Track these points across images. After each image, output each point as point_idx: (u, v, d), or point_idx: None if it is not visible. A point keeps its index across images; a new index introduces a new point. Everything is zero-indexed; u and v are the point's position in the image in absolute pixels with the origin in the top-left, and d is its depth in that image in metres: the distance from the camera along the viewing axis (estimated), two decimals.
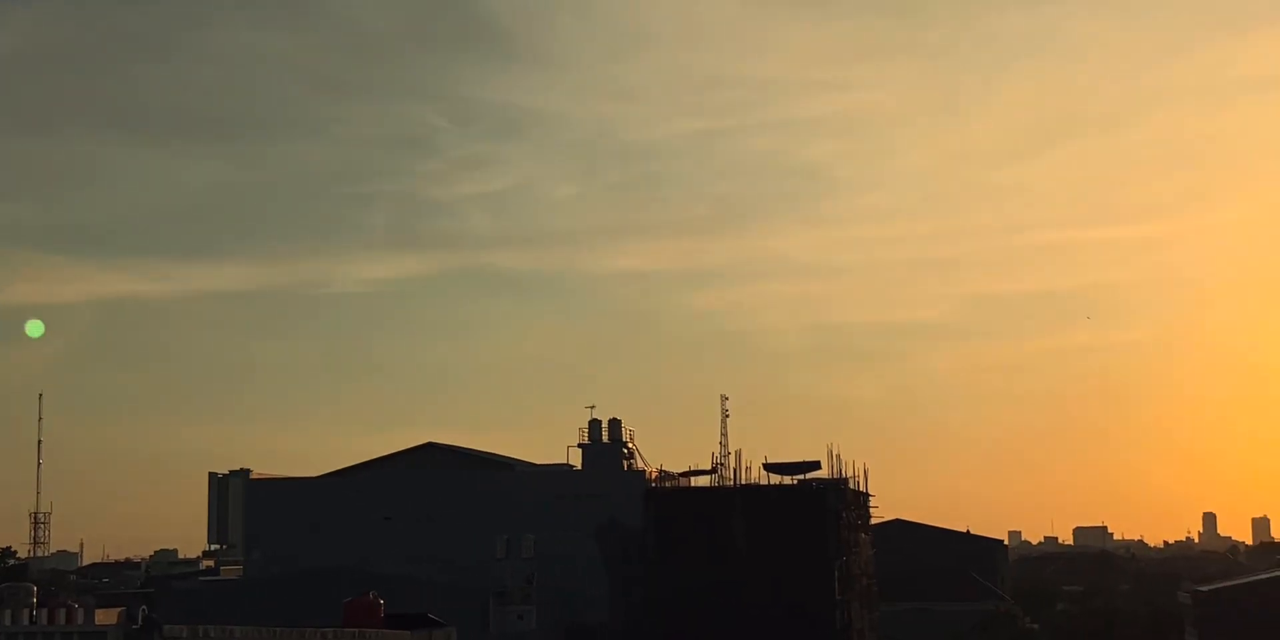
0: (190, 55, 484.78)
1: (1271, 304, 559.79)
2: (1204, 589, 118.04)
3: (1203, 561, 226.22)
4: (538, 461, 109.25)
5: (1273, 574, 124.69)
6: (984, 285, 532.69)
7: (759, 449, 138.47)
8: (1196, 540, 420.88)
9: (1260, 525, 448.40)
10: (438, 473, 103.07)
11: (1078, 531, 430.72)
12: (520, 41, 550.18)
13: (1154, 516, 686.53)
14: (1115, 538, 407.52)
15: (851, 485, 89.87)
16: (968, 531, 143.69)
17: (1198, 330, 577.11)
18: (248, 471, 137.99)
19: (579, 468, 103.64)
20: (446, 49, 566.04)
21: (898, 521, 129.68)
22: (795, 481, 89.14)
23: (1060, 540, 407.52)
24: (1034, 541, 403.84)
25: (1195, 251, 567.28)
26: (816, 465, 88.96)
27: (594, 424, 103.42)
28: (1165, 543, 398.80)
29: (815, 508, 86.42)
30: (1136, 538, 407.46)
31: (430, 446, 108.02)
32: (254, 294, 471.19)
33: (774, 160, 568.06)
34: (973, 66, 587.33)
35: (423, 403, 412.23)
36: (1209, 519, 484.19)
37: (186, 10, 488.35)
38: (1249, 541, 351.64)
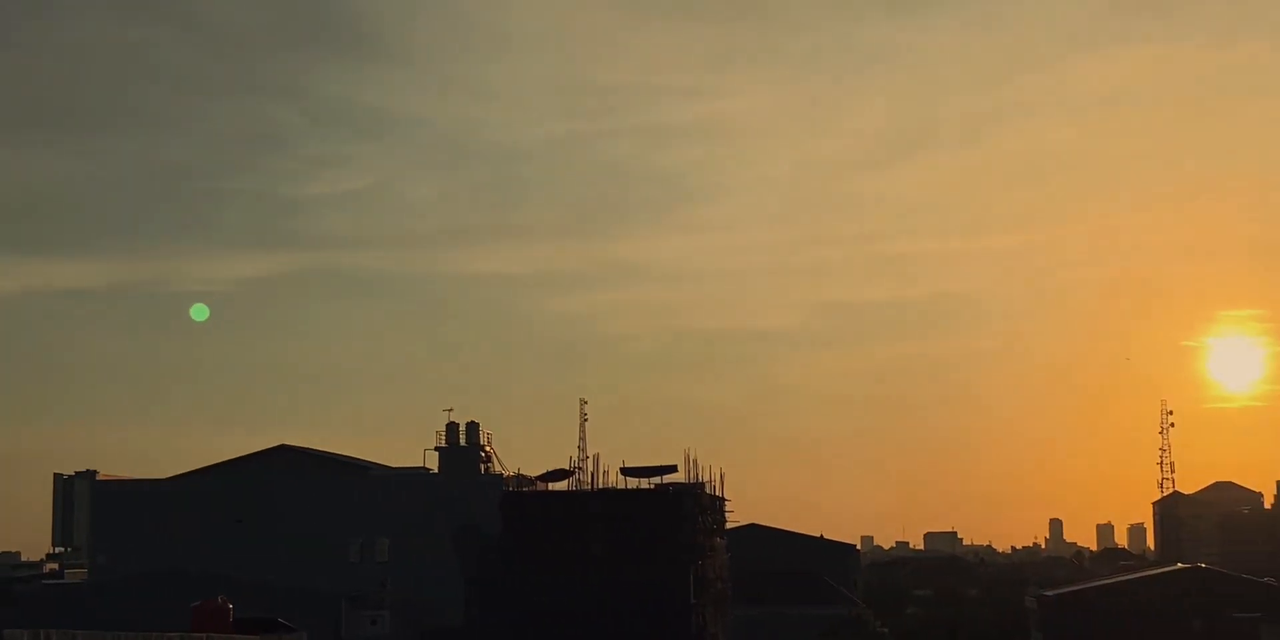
0: (36, 46, 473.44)
1: (1118, 316, 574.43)
2: (1049, 593, 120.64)
3: (1049, 566, 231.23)
4: (394, 465, 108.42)
5: (1116, 579, 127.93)
6: (840, 293, 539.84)
7: (617, 453, 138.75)
8: (1043, 546, 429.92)
9: (1104, 531, 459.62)
10: (291, 475, 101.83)
11: (929, 537, 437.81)
12: (381, 41, 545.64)
13: (1003, 523, 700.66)
14: (965, 543, 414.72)
15: (708, 489, 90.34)
16: (821, 536, 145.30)
17: (1046, 340, 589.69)
18: (94, 473, 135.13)
19: (436, 471, 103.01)
20: (305, 46, 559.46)
21: (753, 526, 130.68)
22: (652, 485, 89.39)
23: (911, 545, 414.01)
24: (886, 546, 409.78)
25: (1046, 262, 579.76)
26: (673, 469, 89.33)
27: (451, 427, 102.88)
28: (1013, 548, 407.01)
29: (671, 512, 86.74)
30: (985, 543, 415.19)
31: (283, 449, 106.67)
32: (102, 291, 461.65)
33: (635, 165, 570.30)
34: (832, 77, 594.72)
35: (276, 404, 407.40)
36: (1055, 525, 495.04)
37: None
38: (1094, 547, 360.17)
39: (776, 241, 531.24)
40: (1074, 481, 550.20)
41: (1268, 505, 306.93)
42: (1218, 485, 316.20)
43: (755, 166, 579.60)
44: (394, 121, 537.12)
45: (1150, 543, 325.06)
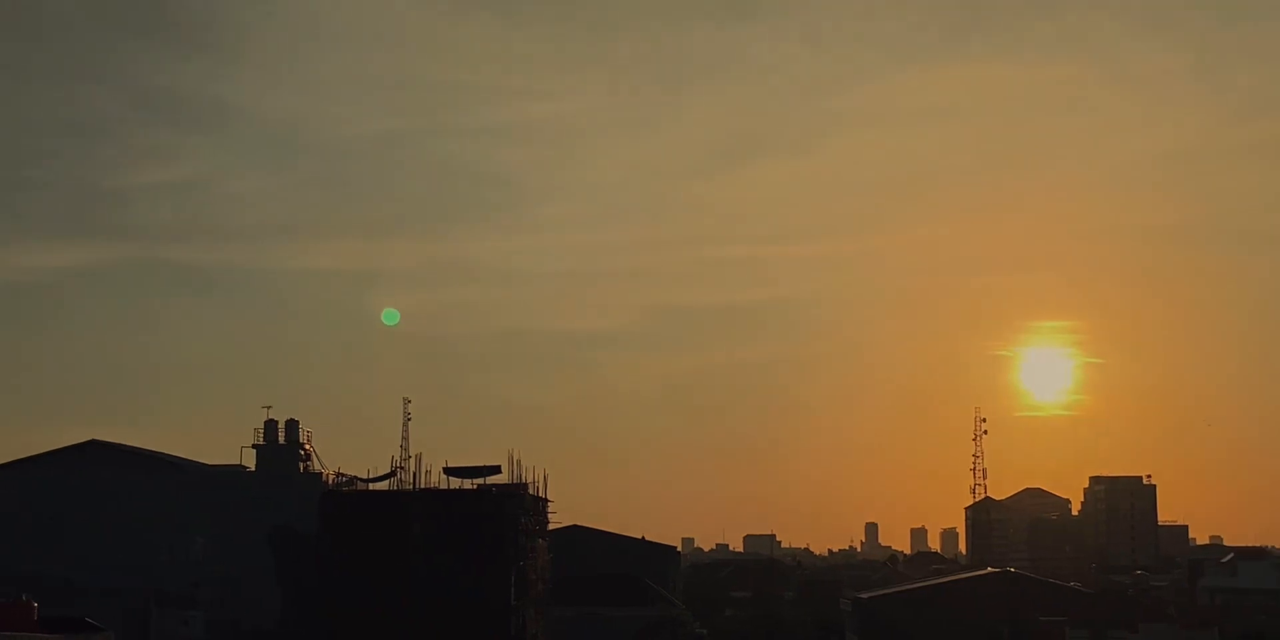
0: None
1: (935, 324, 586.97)
2: (864, 596, 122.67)
3: (864, 569, 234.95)
4: (209, 462, 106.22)
5: (928, 582, 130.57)
6: (667, 297, 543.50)
7: (440, 453, 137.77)
8: (859, 549, 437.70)
9: (918, 535, 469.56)
10: (101, 472, 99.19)
11: (748, 539, 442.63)
12: (208, 31, 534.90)
13: (820, 526, 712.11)
14: (783, 546, 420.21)
15: (531, 490, 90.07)
16: (643, 538, 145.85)
17: (866, 347, 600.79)
18: None
19: (252, 469, 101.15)
20: (128, 34, 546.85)
21: (575, 527, 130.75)
22: (475, 486, 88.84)
23: (731, 547, 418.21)
24: (706, 548, 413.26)
25: (867, 271, 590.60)
26: (497, 470, 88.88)
27: (270, 425, 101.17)
28: (830, 551, 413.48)
29: (494, 512, 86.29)
30: (804, 546, 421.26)
31: (94, 444, 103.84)
32: None
33: (465, 164, 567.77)
34: (663, 82, 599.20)
35: (87, 398, 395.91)
36: (871, 529, 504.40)
37: None
38: (908, 551, 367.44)
39: (605, 244, 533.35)
40: (890, 486, 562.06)
41: (1075, 511, 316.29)
42: (1028, 491, 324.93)
43: (585, 169, 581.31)
44: (221, 113, 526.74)
45: (962, 547, 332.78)
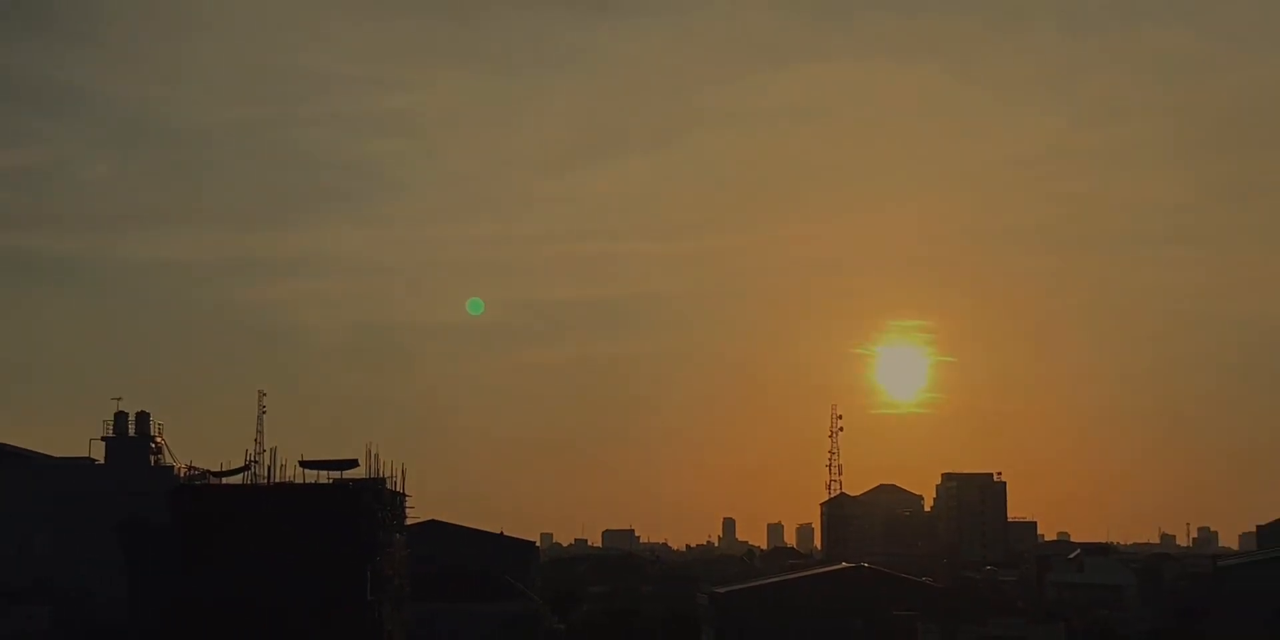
0: None
1: (793, 321, 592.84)
2: (720, 590, 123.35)
3: (722, 564, 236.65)
4: (56, 454, 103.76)
5: (783, 577, 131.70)
6: (527, 291, 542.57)
7: (296, 447, 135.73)
8: (717, 544, 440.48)
9: (775, 531, 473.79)
10: None
11: (607, 534, 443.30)
12: (58, 13, 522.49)
13: (678, 521, 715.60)
14: (642, 541, 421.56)
15: (389, 485, 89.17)
16: (501, 533, 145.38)
17: (725, 343, 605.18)
18: None
19: (102, 462, 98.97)
20: None
21: (433, 522, 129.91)
22: (331, 480, 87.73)
23: (590, 543, 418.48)
24: (565, 543, 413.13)
25: (728, 267, 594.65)
26: (354, 464, 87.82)
27: (120, 417, 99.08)
28: (688, 546, 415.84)
29: (350, 507, 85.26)
30: (662, 541, 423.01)
31: None
32: None
33: (324, 154, 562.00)
34: (524, 76, 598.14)
35: None
36: (729, 524, 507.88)
37: None
38: (765, 546, 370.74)
39: (463, 237, 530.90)
40: (747, 482, 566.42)
41: (928, 508, 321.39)
42: (882, 488, 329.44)
43: (447, 162, 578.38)
44: (72, 97, 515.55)
45: (818, 542, 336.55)
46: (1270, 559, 45.93)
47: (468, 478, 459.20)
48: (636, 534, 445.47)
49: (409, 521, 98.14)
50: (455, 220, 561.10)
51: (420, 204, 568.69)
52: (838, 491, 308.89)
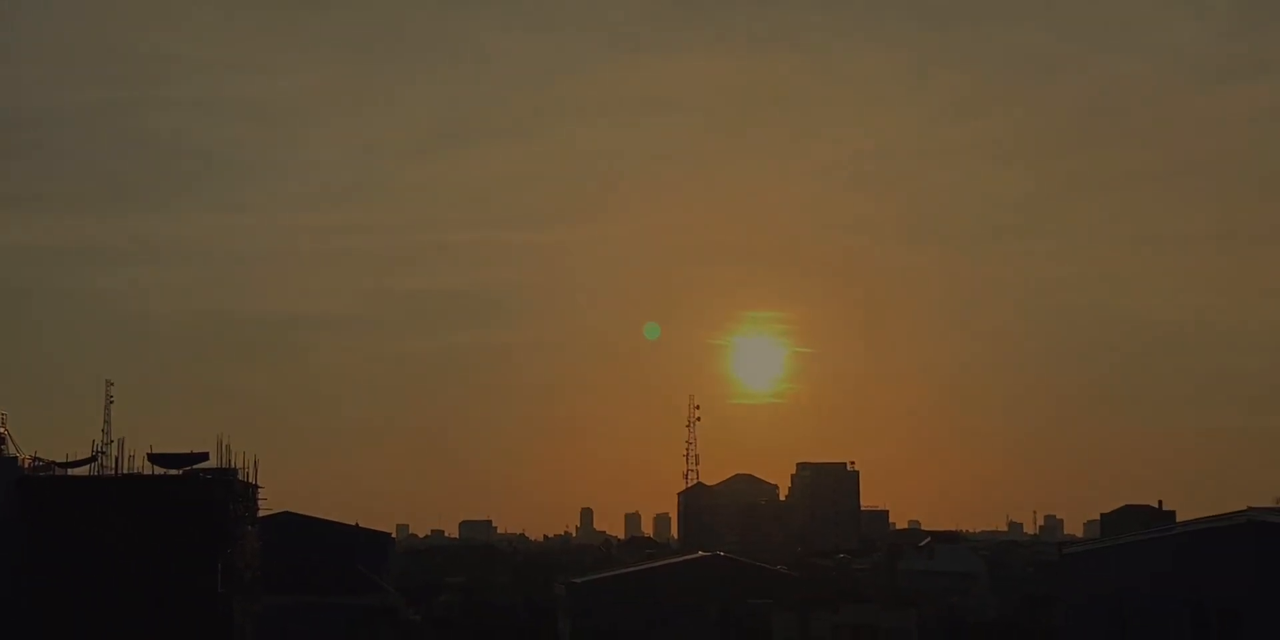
0: None
1: (652, 312, 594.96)
2: (578, 580, 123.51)
3: (579, 554, 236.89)
4: None
5: (641, 567, 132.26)
6: (384, 281, 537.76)
7: (145, 438, 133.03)
8: (574, 534, 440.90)
9: (632, 520, 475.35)
10: None
11: (464, 525, 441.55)
12: None
13: (536, 511, 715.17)
14: (499, 532, 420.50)
15: (241, 477, 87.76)
16: (357, 525, 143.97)
17: (583, 333, 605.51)
18: None
19: None
20: None
21: (286, 514, 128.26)
22: (182, 472, 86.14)
23: (447, 534, 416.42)
24: (421, 535, 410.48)
25: (586, 257, 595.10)
26: (205, 456, 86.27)
27: None
28: (546, 537, 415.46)
29: (200, 500, 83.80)
30: (519, 532, 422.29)
31: None
32: None
33: (175, 139, 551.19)
34: (384, 62, 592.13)
35: None
36: (586, 514, 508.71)
37: None
38: (622, 536, 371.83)
39: (320, 225, 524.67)
40: (605, 472, 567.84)
41: (783, 497, 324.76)
42: (738, 477, 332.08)
43: (301, 148, 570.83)
44: None
45: (675, 532, 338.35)
46: (1113, 546, 47.15)
47: (324, 469, 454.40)
48: (494, 525, 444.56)
49: (262, 513, 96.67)
50: (313, 208, 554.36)
51: (277, 191, 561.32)
52: (695, 481, 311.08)
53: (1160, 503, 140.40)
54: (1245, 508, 37.54)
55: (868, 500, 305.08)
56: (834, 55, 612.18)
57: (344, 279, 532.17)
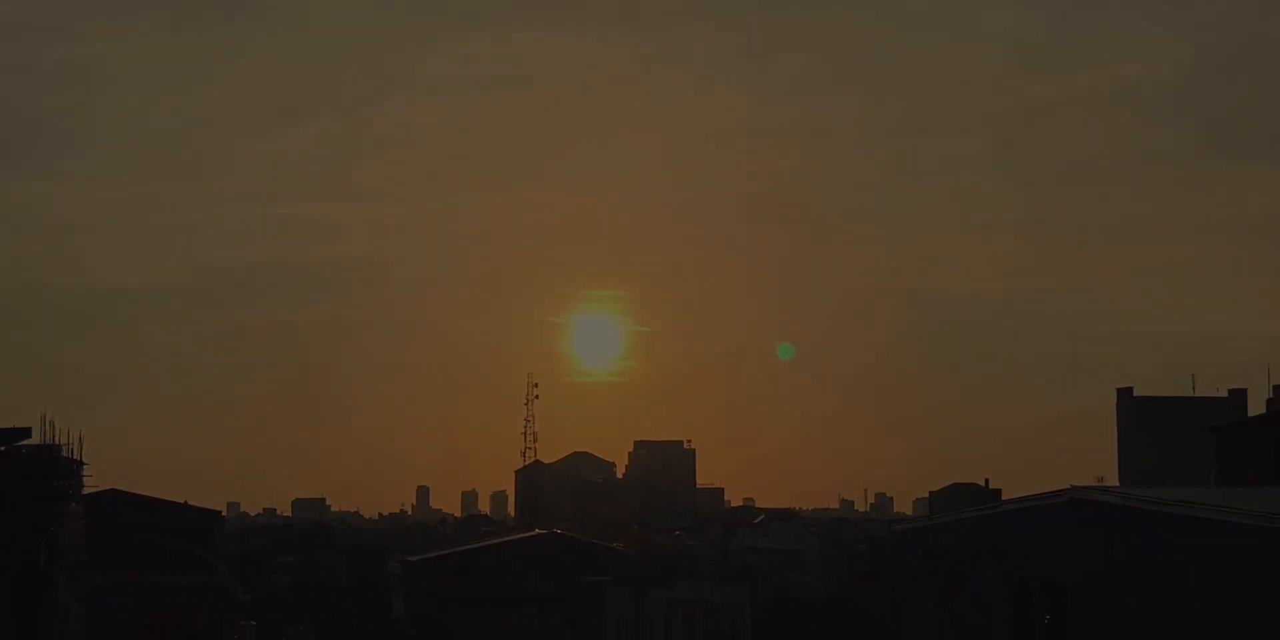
0: None
1: (490, 289, 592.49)
2: (413, 559, 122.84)
3: (415, 533, 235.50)
4: None
5: (477, 545, 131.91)
6: (218, 254, 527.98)
7: None
8: (410, 512, 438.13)
9: (469, 498, 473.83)
10: None
11: (297, 503, 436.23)
12: None
13: (371, 489, 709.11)
14: (333, 510, 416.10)
15: (65, 453, 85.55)
16: (185, 502, 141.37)
17: (423, 309, 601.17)
18: None
19: None
20: None
21: (113, 491, 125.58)
22: (1, 449, 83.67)
23: (279, 512, 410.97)
24: (253, 513, 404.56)
25: (427, 234, 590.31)
26: (27, 432, 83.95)
27: None
28: (381, 515, 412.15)
29: (22, 477, 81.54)
30: (354, 510, 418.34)
31: None
32: None
33: (2, 106, 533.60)
34: (218, 31, 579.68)
35: None
36: (422, 492, 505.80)
37: None
38: (458, 514, 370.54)
39: (151, 197, 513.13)
40: (442, 450, 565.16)
41: (620, 474, 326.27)
42: (576, 455, 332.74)
43: (131, 117, 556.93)
44: None
45: (512, 509, 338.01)
46: (941, 523, 48.16)
47: (152, 446, 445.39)
48: (327, 503, 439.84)
49: (87, 491, 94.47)
50: (145, 179, 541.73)
51: (107, 161, 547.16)
52: (532, 459, 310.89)
53: (986, 481, 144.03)
54: (1068, 486, 38.47)
55: (703, 478, 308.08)
56: (674, 35, 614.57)
57: (173, 252, 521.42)
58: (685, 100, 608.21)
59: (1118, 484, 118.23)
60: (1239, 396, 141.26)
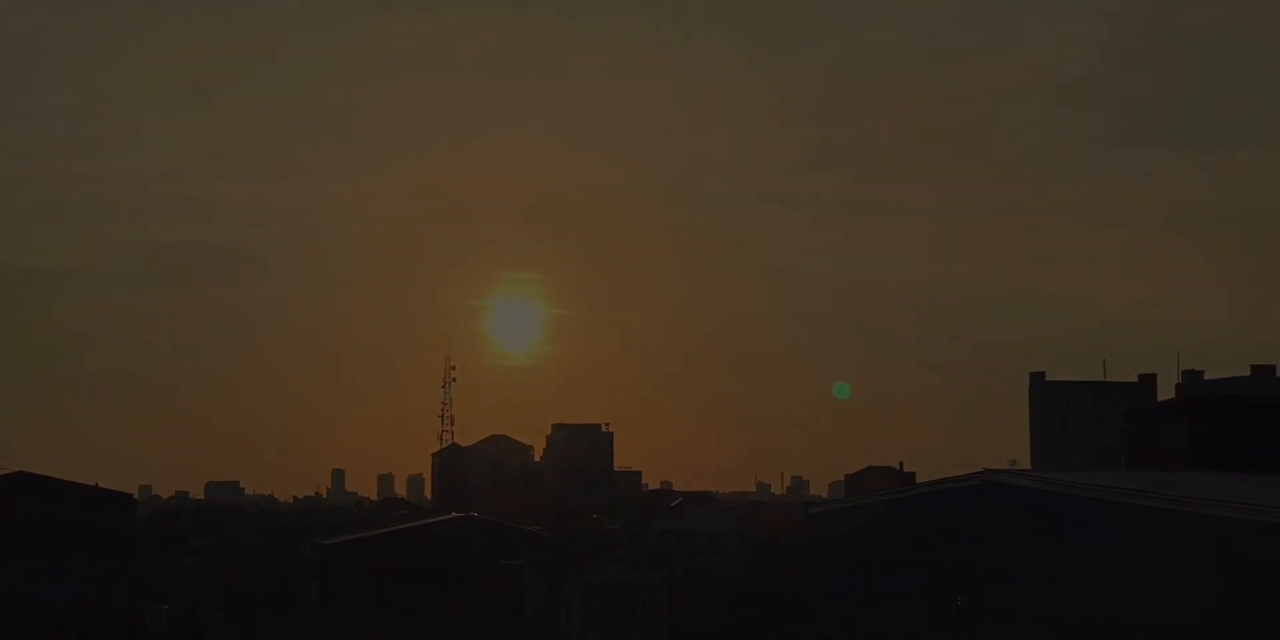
0: None
1: (409, 272, 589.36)
2: (328, 542, 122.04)
3: (330, 516, 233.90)
4: None
5: (393, 528, 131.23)
6: (131, 233, 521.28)
7: None
8: (325, 496, 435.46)
9: (385, 482, 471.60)
10: None
11: (210, 486, 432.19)
12: None
13: (285, 472, 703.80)
14: (247, 493, 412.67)
15: None
16: (96, 485, 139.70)
17: (338, 291, 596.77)
18: None
19: None
20: None
21: (21, 474, 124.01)
22: None
23: (192, 495, 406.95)
24: (165, 496, 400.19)
25: (343, 214, 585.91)
26: None
27: None
28: (295, 498, 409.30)
29: None
30: (268, 493, 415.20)
31: None
32: None
33: None
34: (126, 9, 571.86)
35: None
36: (338, 475, 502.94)
37: None
38: (375, 497, 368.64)
39: (65, 175, 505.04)
40: (358, 433, 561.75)
41: (538, 458, 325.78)
42: (493, 438, 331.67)
43: (44, 94, 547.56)
44: None
45: (428, 493, 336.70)
46: (856, 505, 48.44)
47: (64, 429, 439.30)
48: (241, 486, 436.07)
49: None
50: (57, 157, 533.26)
51: (16, 138, 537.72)
52: (450, 442, 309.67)
53: (901, 464, 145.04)
54: (981, 469, 38.89)
55: (621, 461, 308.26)
56: (594, 16, 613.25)
57: (89, 231, 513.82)
58: (605, 82, 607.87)
59: (1029, 467, 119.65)
60: (1149, 381, 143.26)
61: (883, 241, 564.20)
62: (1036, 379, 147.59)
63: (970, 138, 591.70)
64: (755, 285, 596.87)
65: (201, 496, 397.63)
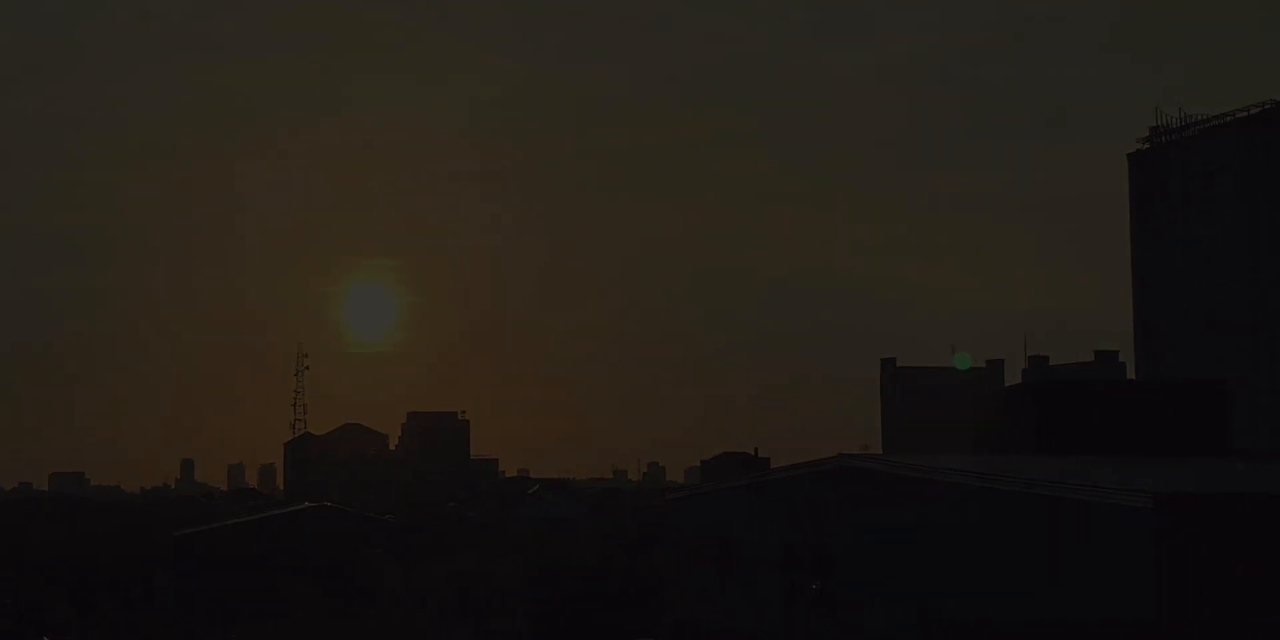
0: None
1: (260, 260, 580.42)
2: (178, 533, 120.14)
3: (180, 507, 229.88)
4: None
5: (245, 518, 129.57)
6: None
7: None
8: (174, 486, 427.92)
9: (236, 472, 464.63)
10: None
11: (54, 477, 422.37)
12: None
13: (132, 463, 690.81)
14: (93, 484, 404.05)
15: None
16: None
17: (190, 278, 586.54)
18: None
19: None
20: None
21: None
22: None
23: (35, 486, 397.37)
24: (8, 487, 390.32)
25: (196, 202, 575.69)
26: None
27: None
28: (143, 489, 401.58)
29: None
30: (115, 484, 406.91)
31: None
32: None
33: None
34: None
35: None
36: (187, 465, 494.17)
37: None
38: (225, 488, 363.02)
39: None
40: (207, 422, 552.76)
41: (393, 446, 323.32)
42: (347, 427, 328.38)
43: None
44: None
45: (281, 483, 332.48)
46: (713, 490, 48.92)
47: None
48: (87, 477, 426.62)
49: None
50: None
51: None
52: (302, 430, 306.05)
53: (756, 450, 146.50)
54: (836, 454, 39.39)
55: (478, 449, 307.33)
56: (441, 7, 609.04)
57: None
58: (463, 69, 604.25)
59: (881, 451, 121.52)
60: (997, 367, 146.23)
61: (741, 230, 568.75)
62: (888, 364, 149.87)
63: (823, 127, 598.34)
64: (607, 274, 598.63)
65: (45, 488, 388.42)
